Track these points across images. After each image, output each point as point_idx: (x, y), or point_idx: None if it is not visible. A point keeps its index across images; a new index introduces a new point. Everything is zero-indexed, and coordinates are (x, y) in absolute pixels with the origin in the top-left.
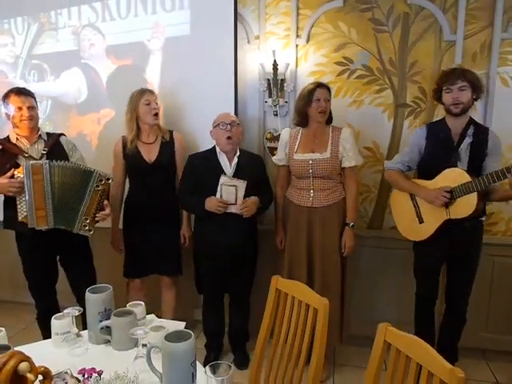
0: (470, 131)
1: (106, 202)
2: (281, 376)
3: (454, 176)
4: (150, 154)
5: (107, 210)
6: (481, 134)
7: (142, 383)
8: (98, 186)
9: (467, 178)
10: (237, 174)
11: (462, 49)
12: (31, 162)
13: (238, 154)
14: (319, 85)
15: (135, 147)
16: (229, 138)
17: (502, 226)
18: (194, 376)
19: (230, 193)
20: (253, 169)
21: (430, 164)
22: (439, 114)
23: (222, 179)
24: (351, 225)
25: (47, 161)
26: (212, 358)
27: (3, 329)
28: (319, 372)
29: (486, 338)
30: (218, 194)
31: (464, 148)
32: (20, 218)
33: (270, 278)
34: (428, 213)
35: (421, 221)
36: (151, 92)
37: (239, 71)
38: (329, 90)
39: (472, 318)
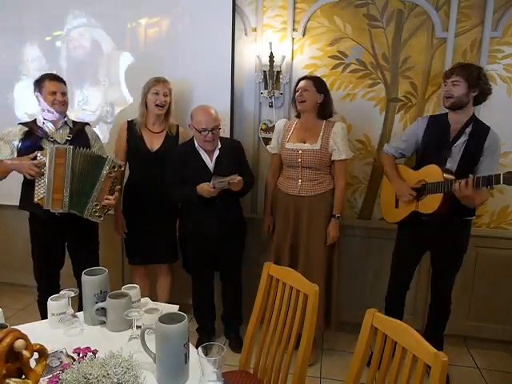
0: (468, 130)
1: (118, 187)
2: (271, 359)
3: (432, 172)
4: (153, 142)
5: (113, 196)
6: (479, 133)
7: (136, 363)
8: (110, 173)
9: (440, 178)
10: (217, 168)
11: (452, 46)
12: (56, 145)
13: (219, 146)
14: (302, 77)
15: (140, 133)
16: (209, 141)
17: (486, 219)
18: (186, 357)
19: (223, 184)
20: (232, 155)
21: (422, 155)
22: (430, 109)
23: (214, 180)
24: (337, 216)
25: (71, 146)
26: (204, 342)
27: (0, 308)
28: (308, 356)
29: (467, 326)
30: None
31: (459, 145)
32: (36, 200)
33: (263, 264)
34: (403, 201)
35: (396, 205)
36: (165, 83)
37: (236, 62)
38: (313, 80)
39: (455, 306)
